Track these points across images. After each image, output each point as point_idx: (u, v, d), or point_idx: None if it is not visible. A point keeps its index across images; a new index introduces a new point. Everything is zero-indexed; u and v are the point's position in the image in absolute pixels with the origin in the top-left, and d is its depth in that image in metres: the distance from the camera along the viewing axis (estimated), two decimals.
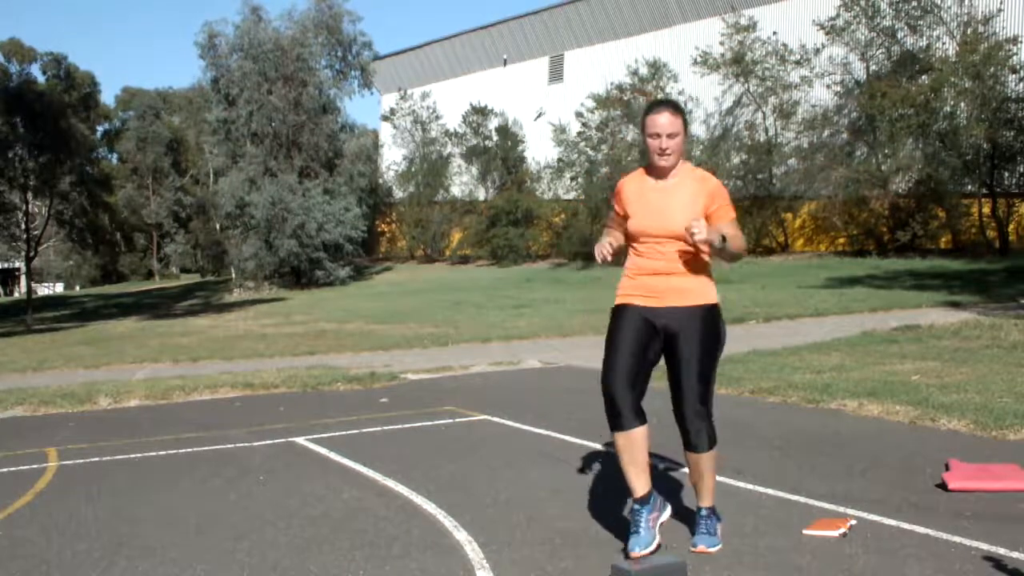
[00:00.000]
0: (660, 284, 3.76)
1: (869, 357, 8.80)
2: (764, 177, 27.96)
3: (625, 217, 3.86)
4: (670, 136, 3.70)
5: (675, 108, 3.77)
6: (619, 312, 3.85)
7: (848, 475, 4.85)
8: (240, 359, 12.52)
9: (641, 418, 3.73)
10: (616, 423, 3.72)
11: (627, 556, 3.64)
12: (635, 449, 3.72)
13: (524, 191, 34.92)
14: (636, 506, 3.73)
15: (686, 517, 4.09)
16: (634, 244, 3.84)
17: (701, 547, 3.76)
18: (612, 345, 3.80)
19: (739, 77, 27.64)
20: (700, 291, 3.77)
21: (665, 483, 4.67)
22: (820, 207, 26.57)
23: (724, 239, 3.69)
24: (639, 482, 3.74)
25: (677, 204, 3.74)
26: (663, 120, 3.70)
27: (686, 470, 4.02)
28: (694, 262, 3.76)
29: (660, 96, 28.88)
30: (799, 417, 6.42)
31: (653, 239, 3.76)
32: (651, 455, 3.93)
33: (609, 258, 3.77)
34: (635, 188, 3.86)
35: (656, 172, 3.81)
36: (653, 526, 3.73)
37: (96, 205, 35.35)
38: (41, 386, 9.86)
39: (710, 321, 3.76)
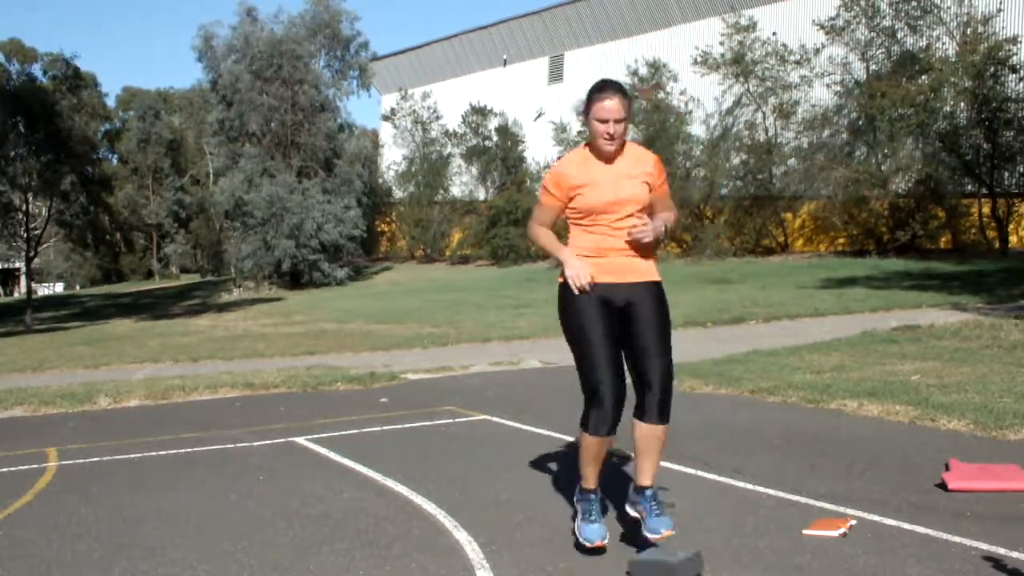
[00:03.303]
0: (619, 262, 3.71)
1: (869, 357, 8.80)
2: (764, 177, 27.95)
3: (566, 201, 3.75)
4: (618, 121, 3.63)
5: (622, 91, 3.69)
6: (576, 297, 3.71)
7: (848, 475, 4.85)
8: (240, 359, 12.53)
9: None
10: (604, 429, 3.67)
11: (584, 545, 3.70)
12: (603, 451, 3.77)
13: (524, 191, 34.91)
14: (593, 496, 3.78)
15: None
16: (581, 223, 3.76)
17: (665, 531, 3.60)
18: (587, 341, 3.69)
19: (739, 77, 27.63)
20: (653, 269, 3.78)
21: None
22: (820, 207, 26.55)
23: (665, 227, 3.77)
24: (596, 476, 3.79)
25: (627, 179, 3.71)
26: (611, 105, 3.62)
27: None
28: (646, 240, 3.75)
29: (662, 96, 28.90)
30: (799, 417, 6.41)
31: (607, 215, 3.69)
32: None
33: (591, 283, 3.67)
34: (582, 166, 3.75)
35: (602, 157, 3.73)
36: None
37: (96, 205, 35.24)
38: (41, 386, 9.86)
39: (663, 297, 3.79)
